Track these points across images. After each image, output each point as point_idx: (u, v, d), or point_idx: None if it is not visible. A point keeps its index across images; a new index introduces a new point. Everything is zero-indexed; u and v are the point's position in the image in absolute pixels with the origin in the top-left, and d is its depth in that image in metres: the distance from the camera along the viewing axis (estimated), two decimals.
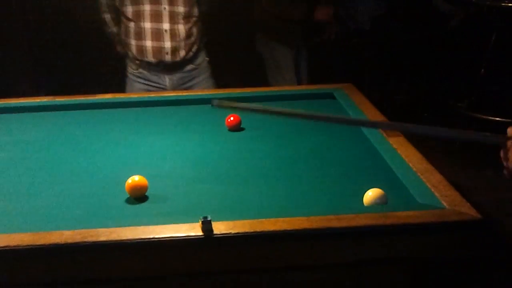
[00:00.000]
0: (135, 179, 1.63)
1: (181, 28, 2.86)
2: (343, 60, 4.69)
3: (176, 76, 2.97)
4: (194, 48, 2.97)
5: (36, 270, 1.35)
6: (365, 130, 2.09)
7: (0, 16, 3.84)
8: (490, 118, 4.02)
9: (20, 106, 2.50)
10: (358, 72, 4.61)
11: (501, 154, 1.22)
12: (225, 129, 2.21)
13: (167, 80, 2.96)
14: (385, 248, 1.39)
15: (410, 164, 1.72)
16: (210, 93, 2.67)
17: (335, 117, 1.47)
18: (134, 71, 2.97)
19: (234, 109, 1.38)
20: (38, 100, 2.59)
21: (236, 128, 2.21)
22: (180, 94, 2.64)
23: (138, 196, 1.62)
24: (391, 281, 1.45)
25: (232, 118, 2.20)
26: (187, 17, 2.88)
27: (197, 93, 2.65)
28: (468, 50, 4.27)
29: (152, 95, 2.67)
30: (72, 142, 2.12)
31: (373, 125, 1.45)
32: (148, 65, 2.91)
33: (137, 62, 2.93)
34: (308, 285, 1.46)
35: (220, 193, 1.67)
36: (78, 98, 2.64)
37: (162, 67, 2.92)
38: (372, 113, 2.26)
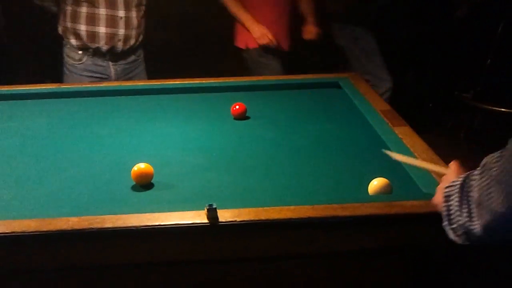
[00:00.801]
0: (140, 166, 1.63)
1: (134, 16, 2.86)
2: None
3: (121, 66, 2.95)
4: (140, 38, 2.97)
5: (42, 256, 1.35)
6: (370, 119, 2.09)
7: (7, 6, 3.85)
8: (496, 108, 4.01)
9: (26, 93, 2.51)
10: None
11: None
12: (231, 117, 2.21)
13: (112, 70, 2.93)
14: (389, 237, 1.40)
15: (416, 154, 1.72)
16: (218, 81, 2.66)
17: None
18: (76, 63, 2.88)
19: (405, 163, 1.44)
20: (44, 87, 2.60)
21: (242, 116, 2.21)
22: (185, 82, 2.64)
23: (144, 184, 1.63)
24: (394, 270, 1.46)
25: (237, 107, 2.20)
26: (138, 5, 2.88)
27: (202, 81, 2.64)
28: (475, 40, 4.25)
29: (158, 82, 2.67)
30: (78, 129, 2.13)
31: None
32: (95, 54, 2.86)
33: (80, 52, 2.86)
34: (312, 273, 1.46)
35: (226, 181, 1.67)
36: (83, 85, 2.65)
37: (110, 55, 2.88)
38: (377, 103, 2.26)
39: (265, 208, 1.39)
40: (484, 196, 1.01)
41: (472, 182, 1.06)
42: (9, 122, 2.22)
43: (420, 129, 1.98)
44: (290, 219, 1.36)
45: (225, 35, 4.35)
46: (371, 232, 1.39)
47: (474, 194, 1.04)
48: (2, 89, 2.55)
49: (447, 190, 1.13)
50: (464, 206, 1.07)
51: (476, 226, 1.04)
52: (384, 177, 1.54)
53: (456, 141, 4.24)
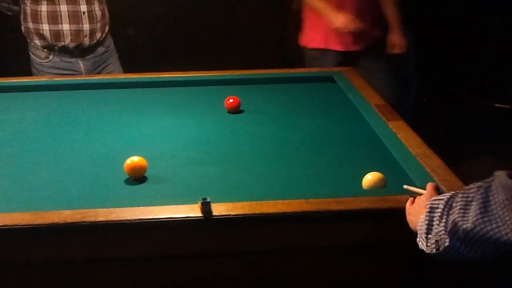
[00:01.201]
0: (134, 159, 1.62)
1: (97, 8, 2.77)
2: None
3: (90, 60, 2.85)
4: (106, 29, 2.88)
5: (35, 250, 1.35)
6: (365, 113, 2.09)
7: None
8: (490, 104, 4.02)
9: (19, 86, 2.49)
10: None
11: None
12: (225, 111, 2.20)
13: (81, 65, 2.83)
14: (383, 232, 1.40)
15: (410, 149, 1.72)
16: (212, 74, 2.64)
17: None
18: (43, 61, 2.80)
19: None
20: (36, 80, 2.58)
21: (236, 110, 2.20)
22: (178, 75, 2.63)
23: (137, 177, 1.62)
24: (389, 265, 1.46)
25: (231, 100, 2.19)
26: None
27: (196, 75, 2.63)
28: (470, 36, 4.25)
29: (151, 75, 2.66)
30: (71, 122, 2.12)
31: None
32: (61, 52, 2.77)
33: (45, 50, 2.77)
34: (307, 267, 1.46)
35: (220, 175, 1.67)
36: (77, 78, 2.64)
37: (78, 51, 2.79)
38: (372, 97, 2.25)
39: (259, 202, 1.39)
40: (460, 210, 1.07)
41: (457, 199, 1.10)
42: (1, 115, 2.20)
43: (414, 124, 1.98)
44: (284, 213, 1.36)
45: (219, 29, 4.35)
46: (365, 226, 1.39)
47: (454, 208, 1.09)
48: None
49: (434, 202, 1.16)
50: (444, 217, 1.11)
51: (447, 236, 1.09)
52: (378, 171, 1.54)
53: (450, 136, 4.24)
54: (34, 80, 2.57)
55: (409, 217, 1.28)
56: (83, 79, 2.60)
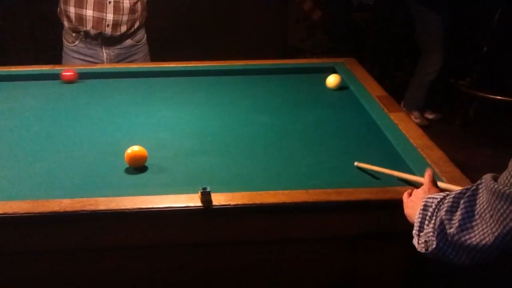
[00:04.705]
0: (134, 149, 1.62)
1: (126, 1, 2.74)
2: (346, 35, 4.66)
3: (114, 51, 2.85)
4: (136, 24, 2.85)
5: (34, 238, 1.35)
6: (366, 104, 2.08)
7: None
8: (492, 96, 4.01)
9: (19, 74, 2.49)
10: (361, 46, 4.58)
11: None
12: (226, 101, 2.19)
13: (104, 55, 2.83)
14: (384, 223, 1.40)
15: (411, 140, 1.72)
16: (214, 64, 2.65)
17: None
18: (70, 45, 2.83)
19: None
20: (38, 68, 2.58)
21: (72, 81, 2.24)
22: (179, 65, 2.62)
23: (138, 166, 1.62)
24: (389, 256, 1.45)
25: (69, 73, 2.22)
26: None
27: (197, 65, 2.63)
28: (471, 27, 4.24)
29: (152, 65, 2.65)
30: (72, 110, 2.12)
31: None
32: (86, 37, 2.78)
33: (73, 34, 2.78)
34: (306, 258, 1.46)
35: (220, 164, 1.66)
36: (78, 67, 2.63)
37: (101, 40, 2.79)
38: (374, 88, 2.25)
39: (259, 192, 1.39)
40: (446, 212, 1.06)
41: (446, 199, 1.09)
42: (2, 103, 2.20)
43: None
44: (284, 203, 1.36)
45: (221, 19, 4.33)
46: (365, 217, 1.39)
47: (442, 210, 1.08)
48: None
49: (428, 200, 1.15)
50: (433, 218, 1.10)
51: (435, 239, 1.08)
52: (379, 162, 1.54)
53: (452, 128, 4.24)
54: (36, 69, 2.57)
55: (407, 210, 1.28)
56: (84, 69, 2.59)
